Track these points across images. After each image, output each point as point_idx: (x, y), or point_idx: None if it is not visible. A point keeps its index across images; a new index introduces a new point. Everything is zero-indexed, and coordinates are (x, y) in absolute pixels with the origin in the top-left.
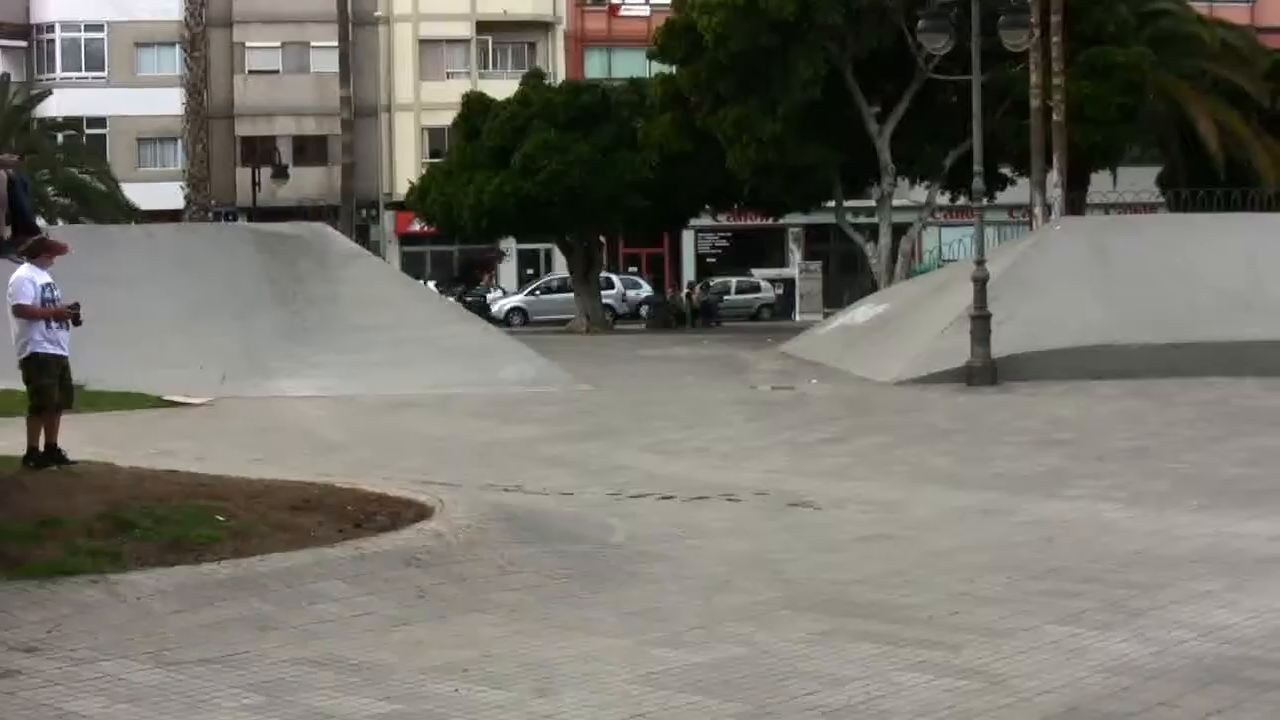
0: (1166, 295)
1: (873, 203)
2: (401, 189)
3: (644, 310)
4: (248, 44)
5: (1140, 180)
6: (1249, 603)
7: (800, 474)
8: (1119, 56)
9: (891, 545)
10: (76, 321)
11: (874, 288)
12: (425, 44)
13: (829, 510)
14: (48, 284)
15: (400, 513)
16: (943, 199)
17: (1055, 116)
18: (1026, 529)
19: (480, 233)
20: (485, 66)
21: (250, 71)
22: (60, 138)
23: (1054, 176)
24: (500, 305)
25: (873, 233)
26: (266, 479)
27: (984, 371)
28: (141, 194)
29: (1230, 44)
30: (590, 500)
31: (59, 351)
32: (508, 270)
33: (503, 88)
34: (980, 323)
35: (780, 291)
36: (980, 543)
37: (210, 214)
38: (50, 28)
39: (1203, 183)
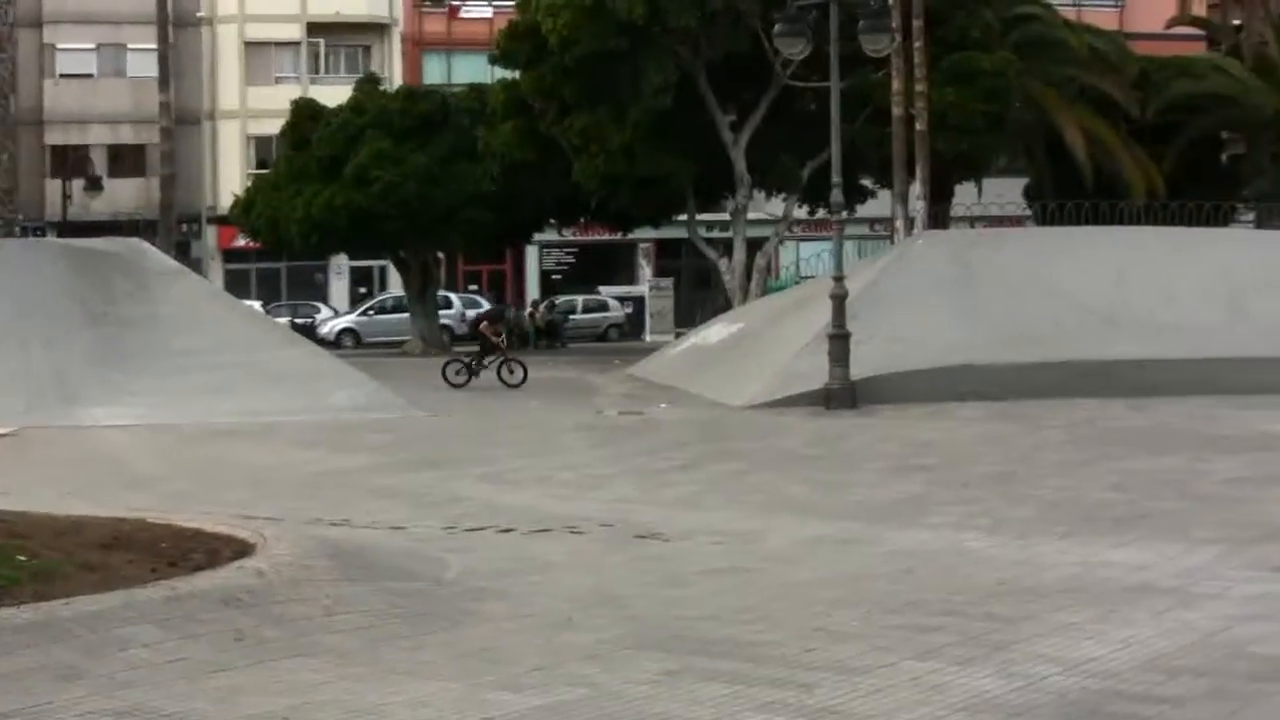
0: (1033, 312)
1: (727, 216)
2: (225, 202)
3: None
4: (59, 46)
5: (1006, 192)
6: (1116, 634)
7: (649, 504)
8: (983, 63)
9: (744, 578)
10: None
11: (728, 306)
12: (252, 46)
13: (678, 542)
14: None
15: (218, 550)
16: (800, 212)
17: (918, 125)
18: (886, 560)
19: (309, 249)
20: (316, 71)
21: (61, 75)
22: None
23: (916, 188)
24: (330, 326)
25: (727, 248)
26: (74, 515)
27: (843, 394)
28: None
29: (1098, 50)
30: (424, 534)
31: None
32: (339, 289)
33: (335, 94)
34: (839, 342)
35: (629, 310)
36: (837, 575)
37: (16, 229)
38: None
39: (1070, 194)
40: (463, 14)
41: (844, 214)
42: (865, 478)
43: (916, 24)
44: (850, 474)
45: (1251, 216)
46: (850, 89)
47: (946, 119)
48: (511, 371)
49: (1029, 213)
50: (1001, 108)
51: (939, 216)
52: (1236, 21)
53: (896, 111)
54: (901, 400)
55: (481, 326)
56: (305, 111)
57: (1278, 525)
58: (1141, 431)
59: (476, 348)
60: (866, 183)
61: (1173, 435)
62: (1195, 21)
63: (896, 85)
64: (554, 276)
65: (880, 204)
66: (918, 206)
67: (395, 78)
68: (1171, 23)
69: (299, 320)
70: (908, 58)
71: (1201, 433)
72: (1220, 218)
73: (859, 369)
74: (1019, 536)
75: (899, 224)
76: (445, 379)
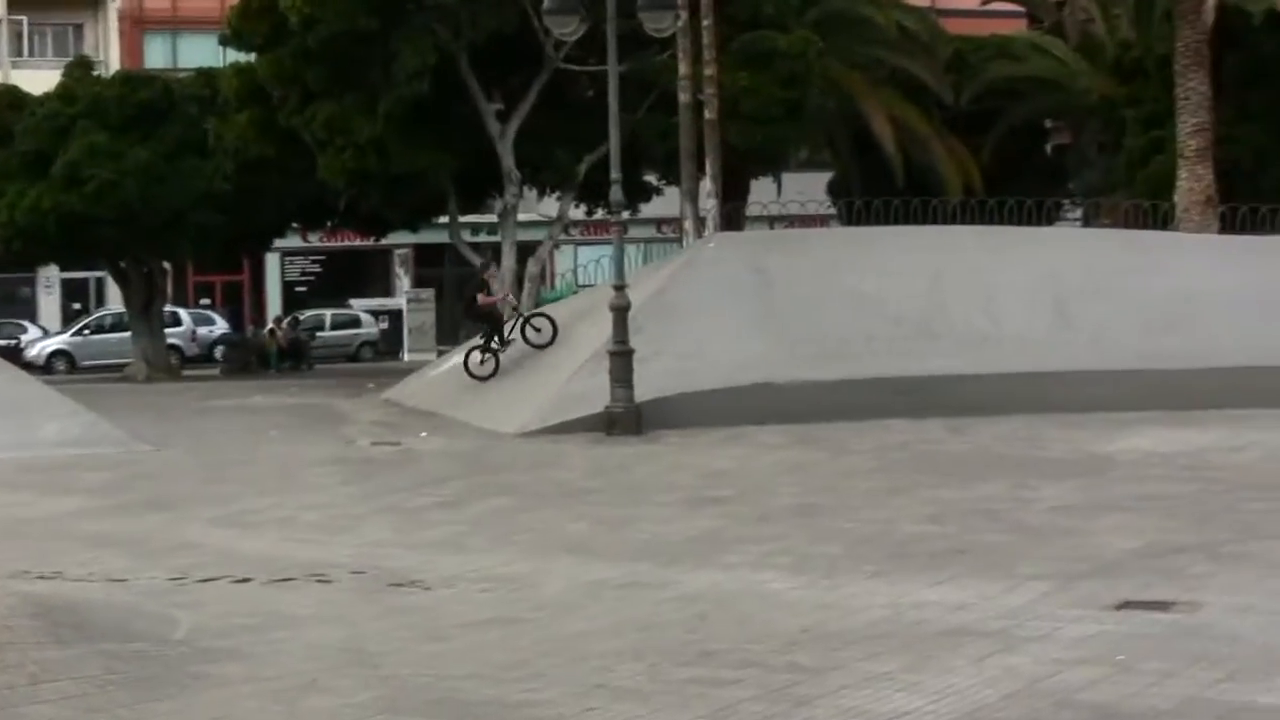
0: (839, 323)
1: (495, 218)
2: None
3: (219, 351)
4: None
5: (809, 188)
6: (932, 683)
7: (406, 547)
8: (780, 43)
9: (514, 630)
10: None
11: None
12: None
13: (439, 590)
14: None
15: None
16: (578, 212)
17: (707, 113)
18: (676, 605)
19: (12, 259)
20: (19, 54)
21: None
22: None
23: (707, 184)
24: (39, 348)
25: (495, 253)
26: None
27: (626, 418)
28: None
29: (909, 30)
30: (148, 587)
31: None
32: (49, 305)
33: (41, 79)
34: (621, 360)
35: (385, 326)
36: (620, 623)
37: None
38: None
39: (880, 190)
40: None
41: (625, 214)
42: (652, 512)
43: (705, 1)
44: (636, 508)
45: (1078, 213)
46: (632, 73)
47: (740, 107)
48: (538, 329)
49: (834, 211)
50: (800, 93)
51: (733, 216)
52: None
53: (684, 98)
54: (693, 424)
55: (480, 299)
56: (5, 100)
57: (1109, 558)
58: (960, 455)
59: (480, 332)
60: (651, 179)
61: (995, 459)
62: None
63: (683, 69)
64: (298, 288)
65: (667, 202)
66: (709, 205)
67: (112, 61)
68: None
69: (2, 342)
70: (695, 38)
71: (1026, 456)
72: (1044, 215)
73: (644, 389)
74: (825, 576)
75: (688, 225)
76: (469, 373)
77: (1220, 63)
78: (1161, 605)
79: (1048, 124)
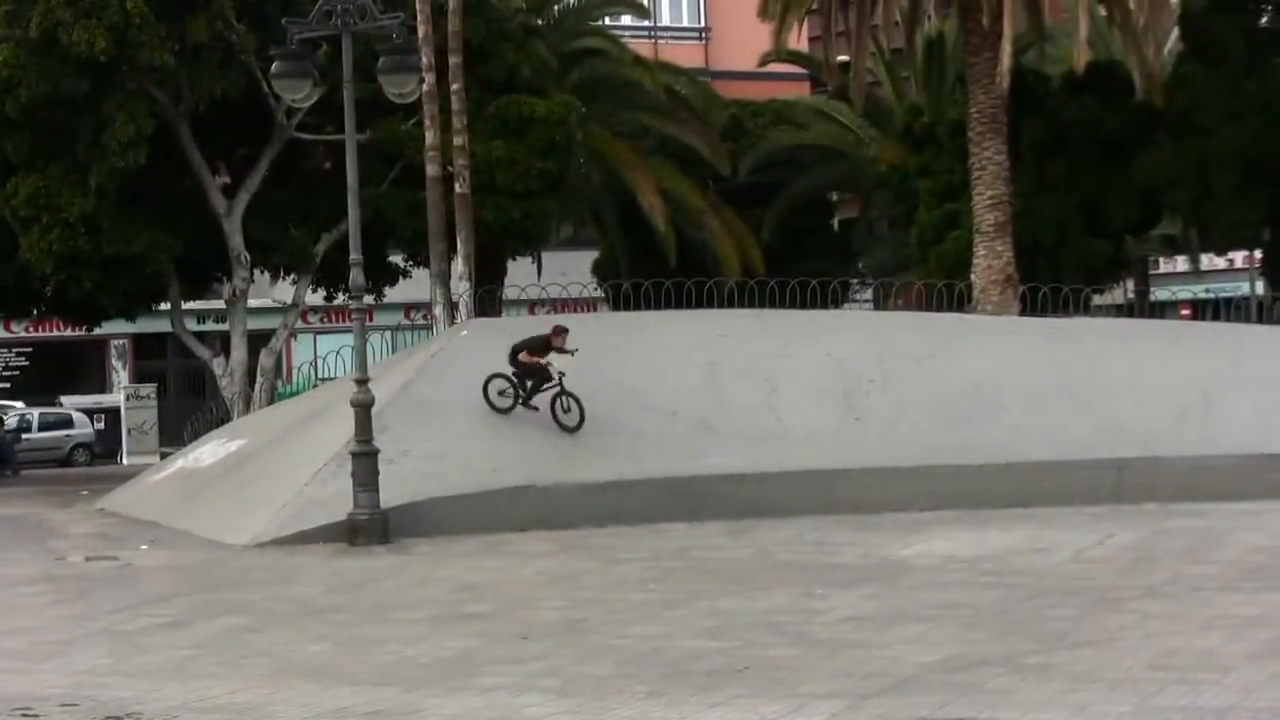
0: (606, 418)
1: (222, 304)
2: None
3: None
4: None
5: (573, 268)
6: None
7: (124, 674)
8: (538, 108)
9: None
10: None
11: (226, 418)
12: None
13: None
14: None
15: None
16: (315, 297)
17: (458, 187)
18: None
19: None
20: None
21: None
22: None
23: (459, 265)
24: None
25: (224, 343)
26: None
27: (371, 526)
28: None
29: (679, 94)
30: None
31: None
32: None
33: None
34: (364, 462)
35: (101, 426)
36: None
37: None
38: None
39: (650, 270)
40: None
41: (368, 299)
42: (400, 632)
43: (454, 61)
44: (382, 627)
45: (869, 294)
46: (374, 143)
47: (495, 180)
48: (567, 409)
49: (601, 294)
50: (561, 164)
51: (488, 301)
52: (843, 57)
53: (432, 170)
54: (446, 532)
55: (521, 357)
56: None
57: (904, 674)
58: (742, 562)
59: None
60: (398, 260)
61: (779, 566)
62: (793, 58)
63: (430, 138)
64: (1, 384)
65: (416, 286)
66: (461, 289)
67: None
68: (765, 59)
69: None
70: (444, 103)
71: (813, 561)
72: (831, 296)
73: (391, 494)
74: (593, 698)
75: (439, 311)
76: (487, 399)
77: (1018, 130)
78: None
79: (834, 196)
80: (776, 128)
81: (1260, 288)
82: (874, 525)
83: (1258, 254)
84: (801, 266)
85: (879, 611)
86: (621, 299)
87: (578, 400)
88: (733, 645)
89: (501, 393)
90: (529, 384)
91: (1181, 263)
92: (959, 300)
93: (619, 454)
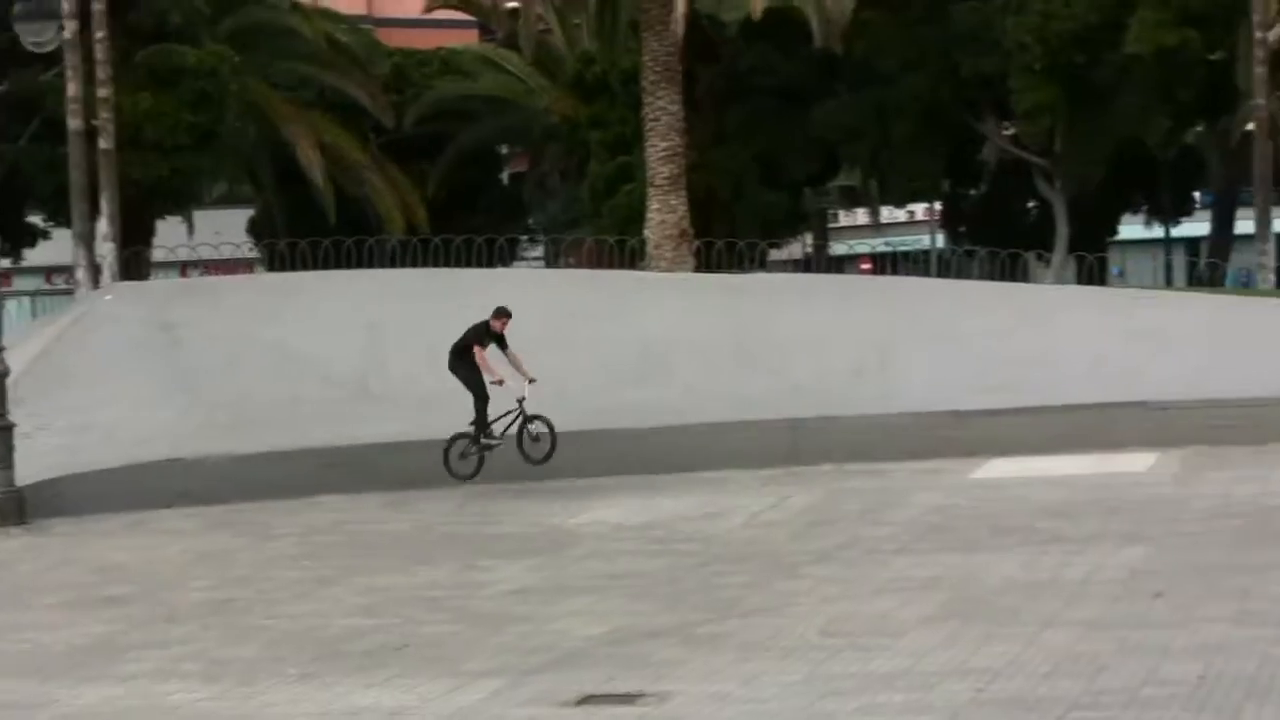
0: (261, 385)
1: None
2: None
3: None
4: None
5: (227, 227)
6: None
7: None
8: (189, 58)
9: None
10: None
11: None
12: None
13: None
14: None
15: None
16: None
17: (103, 142)
18: None
19: None
20: None
21: None
22: None
23: (104, 226)
24: None
25: None
26: None
27: (6, 506)
28: None
29: (340, 43)
30: None
31: None
32: None
33: None
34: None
35: None
36: None
37: None
38: None
39: (309, 229)
40: None
41: (4, 262)
42: (34, 618)
43: (98, 7)
44: (14, 614)
45: (540, 251)
46: (12, 94)
47: (143, 134)
48: (536, 437)
49: (257, 254)
50: (214, 118)
51: (135, 263)
52: (512, 3)
53: (74, 124)
54: (89, 510)
55: (477, 351)
56: None
57: (570, 647)
58: (402, 535)
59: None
60: (37, 220)
61: (441, 538)
62: (460, 4)
63: (73, 89)
64: None
65: (58, 248)
66: (106, 250)
67: None
68: (430, 5)
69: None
70: (88, 53)
71: (477, 533)
72: (500, 254)
73: (29, 471)
74: (242, 683)
75: (81, 274)
76: (449, 469)
77: (693, 79)
78: (628, 698)
79: (504, 150)
80: (443, 78)
81: (940, 241)
82: (542, 493)
83: (938, 206)
84: (469, 223)
85: (545, 583)
86: (278, 259)
87: (549, 424)
88: (391, 622)
89: (463, 455)
90: (477, 415)
91: (862, 216)
92: (632, 257)
93: (274, 423)
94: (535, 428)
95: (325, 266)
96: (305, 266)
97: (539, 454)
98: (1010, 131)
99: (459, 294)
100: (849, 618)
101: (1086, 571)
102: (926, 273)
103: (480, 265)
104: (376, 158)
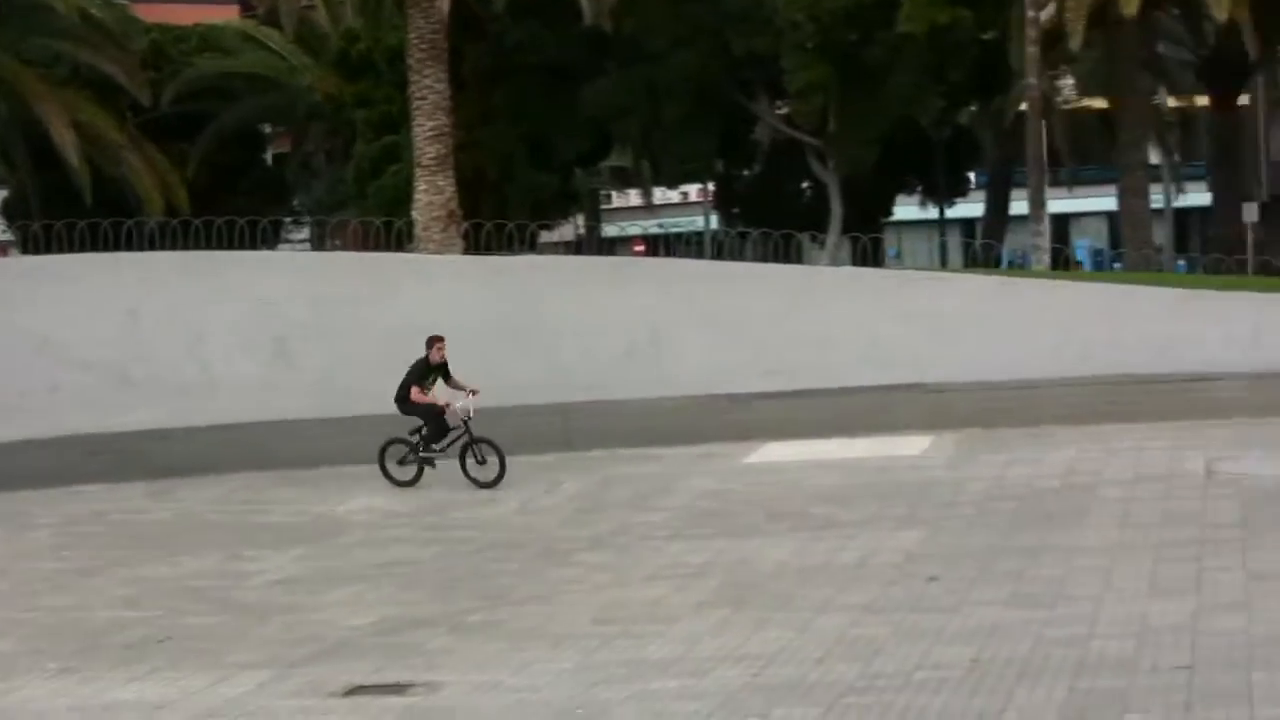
0: (16, 371)
1: None
2: None
3: None
4: None
5: None
6: None
7: None
8: None
9: None
10: None
11: None
12: None
13: None
14: None
15: None
16: None
17: None
18: None
19: None
20: None
21: None
22: None
23: None
24: None
25: None
26: None
27: None
28: None
29: (94, 18)
30: None
31: None
32: None
33: None
34: None
35: None
36: None
37: None
38: None
39: (64, 211)
40: None
41: None
42: None
43: None
44: None
45: (306, 234)
46: None
47: None
48: (482, 460)
49: (10, 237)
50: None
51: None
52: None
53: None
54: None
55: (413, 397)
56: None
57: (337, 638)
58: (166, 525)
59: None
60: None
61: (205, 527)
62: None
63: None
64: None
65: None
66: None
67: None
68: None
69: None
70: None
71: (243, 522)
72: (263, 237)
73: None
74: None
75: None
76: (385, 474)
77: (461, 57)
78: (397, 688)
79: (267, 129)
80: (202, 55)
81: (715, 222)
82: (310, 481)
83: (711, 187)
84: (231, 205)
85: (312, 573)
86: (33, 242)
87: (496, 447)
88: (154, 614)
89: (402, 461)
90: (424, 430)
91: (635, 197)
92: (399, 239)
93: (31, 410)
94: (482, 450)
95: (83, 249)
96: (62, 249)
97: (486, 477)
98: (783, 111)
99: (220, 277)
100: (621, 605)
101: (861, 556)
102: (700, 255)
103: (243, 248)
104: (134, 137)
